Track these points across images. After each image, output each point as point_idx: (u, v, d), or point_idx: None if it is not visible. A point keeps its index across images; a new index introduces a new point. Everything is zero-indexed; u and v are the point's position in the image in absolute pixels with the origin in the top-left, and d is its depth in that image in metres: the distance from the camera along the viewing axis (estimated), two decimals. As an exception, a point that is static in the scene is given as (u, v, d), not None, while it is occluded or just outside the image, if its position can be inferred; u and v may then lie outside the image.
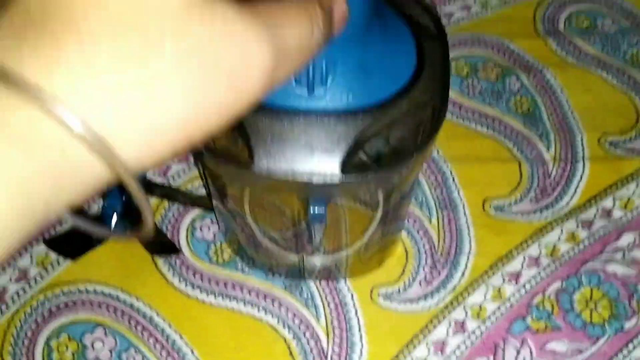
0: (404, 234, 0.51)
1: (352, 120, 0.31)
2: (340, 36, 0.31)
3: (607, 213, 0.51)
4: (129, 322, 0.48)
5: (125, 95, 0.16)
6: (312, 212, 0.35)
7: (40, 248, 0.50)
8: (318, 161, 0.32)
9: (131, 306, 0.48)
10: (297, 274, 0.49)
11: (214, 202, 0.44)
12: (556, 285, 0.49)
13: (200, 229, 0.51)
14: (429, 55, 0.34)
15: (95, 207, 0.51)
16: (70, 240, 0.49)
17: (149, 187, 0.50)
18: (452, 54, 0.59)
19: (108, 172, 0.16)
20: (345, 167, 0.32)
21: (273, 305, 0.48)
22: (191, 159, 0.53)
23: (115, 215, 0.47)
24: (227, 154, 0.36)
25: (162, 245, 0.50)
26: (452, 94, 0.57)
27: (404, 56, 0.34)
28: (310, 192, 0.35)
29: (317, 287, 0.49)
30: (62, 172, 0.15)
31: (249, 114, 0.33)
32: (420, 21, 0.36)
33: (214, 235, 0.51)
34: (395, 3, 0.36)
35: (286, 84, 0.31)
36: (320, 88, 0.31)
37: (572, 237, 0.50)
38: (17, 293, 0.48)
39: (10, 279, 0.49)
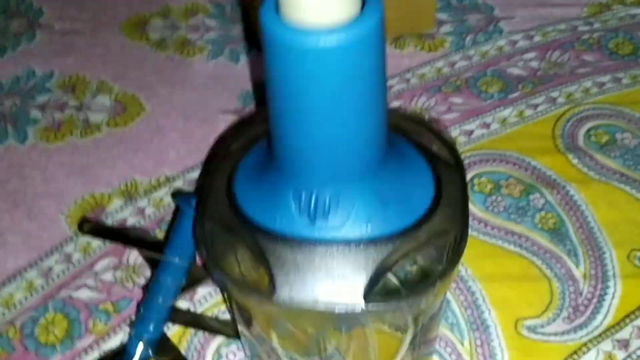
0: (435, 358, 0.49)
1: (372, 249, 0.32)
2: (356, 170, 0.32)
3: (645, 331, 0.50)
4: None
5: None
6: None
7: None
8: (340, 290, 0.33)
9: None
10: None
11: (239, 328, 0.44)
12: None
13: (227, 356, 0.50)
14: (446, 183, 0.35)
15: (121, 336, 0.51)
16: None
17: (174, 314, 0.50)
18: (474, 172, 0.60)
19: None
20: (368, 295, 0.32)
21: None
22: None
23: (141, 343, 0.47)
24: (251, 283, 0.36)
25: None
26: (477, 212, 0.57)
27: (422, 186, 0.34)
28: (334, 320, 0.35)
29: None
30: None
31: (270, 243, 0.34)
32: (436, 151, 0.37)
33: (240, 362, 0.50)
34: (410, 135, 0.37)
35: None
36: (322, 220, 0.32)
37: (609, 358, 0.48)
38: None
39: None
